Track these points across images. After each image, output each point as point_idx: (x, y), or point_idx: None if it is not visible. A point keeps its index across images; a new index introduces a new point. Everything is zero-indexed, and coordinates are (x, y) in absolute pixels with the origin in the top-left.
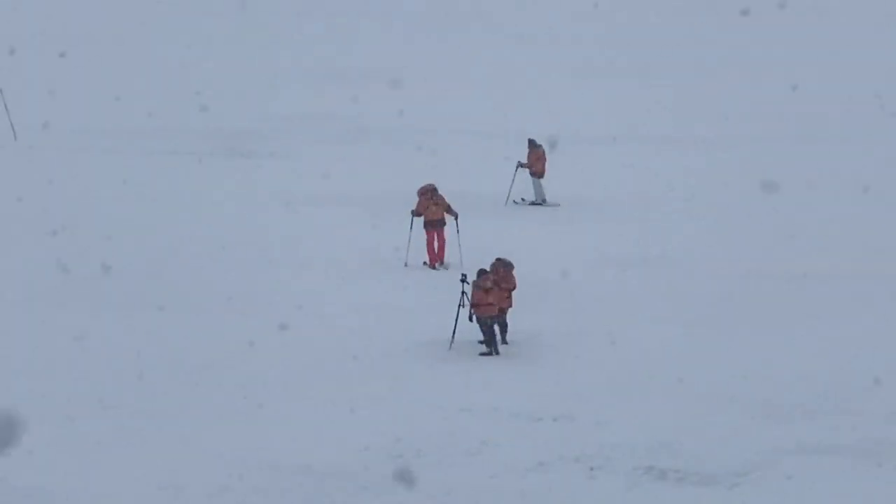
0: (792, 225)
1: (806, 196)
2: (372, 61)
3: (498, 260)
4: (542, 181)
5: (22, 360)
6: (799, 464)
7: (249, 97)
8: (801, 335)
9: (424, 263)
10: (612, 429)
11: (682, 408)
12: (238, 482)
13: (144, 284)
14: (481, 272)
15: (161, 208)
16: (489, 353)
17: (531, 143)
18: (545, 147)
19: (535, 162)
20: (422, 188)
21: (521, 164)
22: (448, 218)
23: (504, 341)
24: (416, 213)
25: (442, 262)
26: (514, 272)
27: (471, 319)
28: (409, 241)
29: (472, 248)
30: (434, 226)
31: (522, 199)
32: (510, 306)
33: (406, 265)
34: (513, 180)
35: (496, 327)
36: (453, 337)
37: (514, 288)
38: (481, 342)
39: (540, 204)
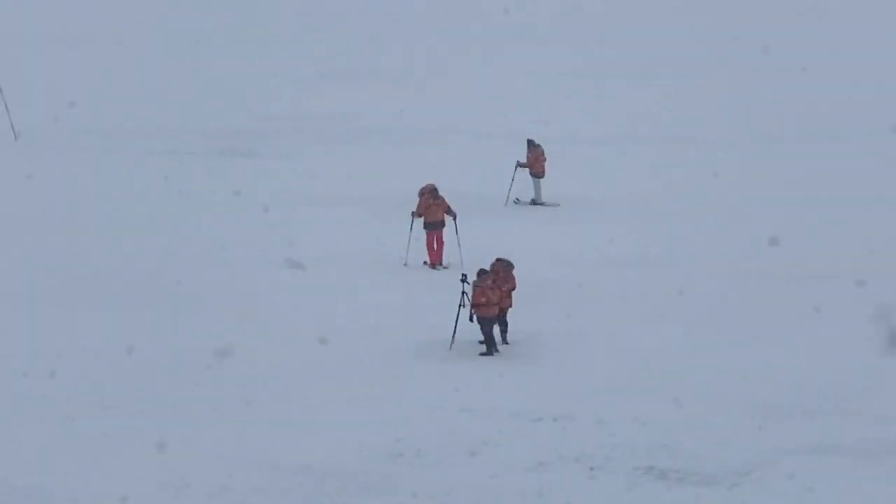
0: (791, 225)
1: (806, 196)
2: (372, 61)
3: (498, 260)
4: (542, 181)
5: (22, 360)
6: (799, 464)
7: (249, 97)
8: (801, 335)
9: (425, 263)
10: (612, 429)
11: (682, 408)
12: (238, 482)
13: (144, 284)
14: (481, 272)
15: (161, 208)
16: (489, 354)
17: (530, 143)
18: (543, 146)
19: (535, 162)
20: (423, 188)
21: (519, 164)
22: (448, 219)
23: (504, 341)
24: (416, 215)
25: (441, 263)
26: (514, 272)
27: (471, 320)
28: (409, 242)
29: (472, 248)
30: (434, 227)
31: (518, 200)
32: (510, 306)
33: (406, 265)
34: (512, 180)
35: (496, 327)
36: (453, 337)
37: (514, 288)
38: (481, 342)
39: (540, 204)
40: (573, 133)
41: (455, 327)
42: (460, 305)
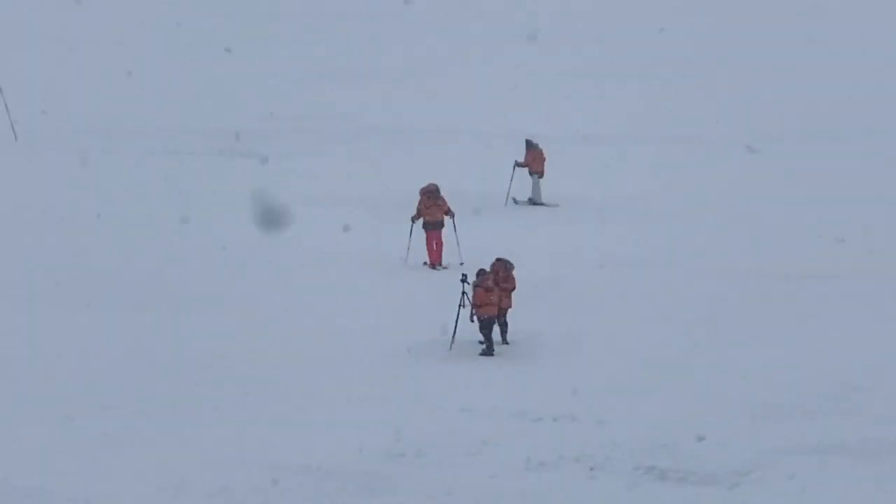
0: (792, 225)
1: (806, 196)
2: (372, 61)
3: (498, 260)
4: (542, 181)
5: (22, 360)
6: (799, 464)
7: (249, 97)
8: (801, 335)
9: (424, 264)
10: (612, 429)
11: (682, 408)
12: (238, 482)
13: (144, 284)
14: (481, 272)
15: (161, 208)
16: (489, 354)
17: (528, 143)
18: (542, 146)
19: (533, 162)
20: (424, 187)
21: (517, 164)
22: (447, 220)
23: (504, 341)
24: (415, 216)
25: (440, 264)
26: (514, 272)
27: (472, 320)
28: (409, 243)
29: (472, 248)
30: (433, 227)
31: (516, 200)
32: (510, 306)
33: (406, 265)
34: (511, 180)
35: (496, 327)
36: (453, 337)
37: (514, 288)
38: (481, 343)
39: (539, 204)
40: (573, 133)
41: (455, 327)
42: (460, 305)
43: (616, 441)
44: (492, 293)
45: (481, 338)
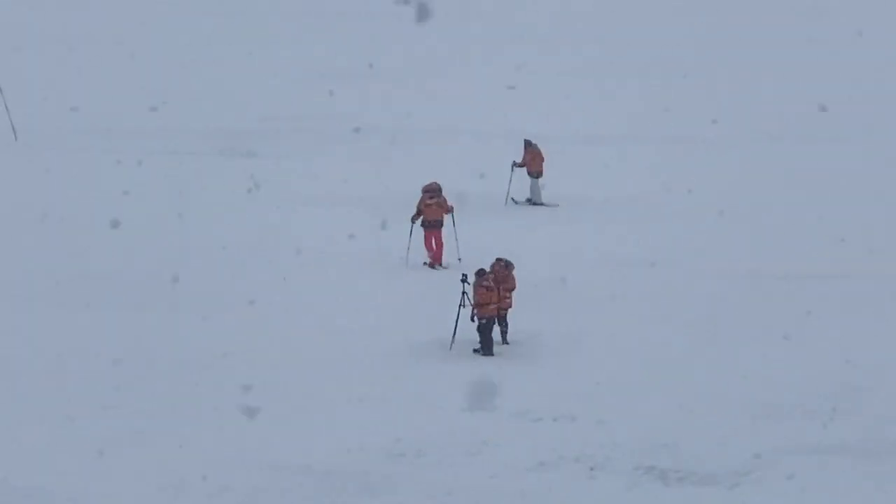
0: (792, 225)
1: (806, 196)
2: (372, 61)
3: (498, 260)
4: (540, 181)
5: (22, 360)
6: (799, 464)
7: (249, 97)
8: (801, 335)
9: (424, 264)
10: (612, 429)
11: (682, 408)
12: (238, 482)
13: (144, 284)
14: (481, 272)
15: (161, 208)
16: (490, 354)
17: (526, 143)
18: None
19: (531, 161)
20: (427, 185)
21: (515, 164)
22: (446, 218)
23: (504, 341)
24: (415, 216)
25: (440, 263)
26: (514, 272)
27: (473, 319)
28: (409, 243)
29: (472, 248)
30: (432, 226)
31: (514, 200)
32: (510, 306)
33: (406, 265)
34: (510, 180)
35: (496, 327)
36: (453, 337)
37: (513, 288)
38: (480, 344)
39: (539, 204)
40: (573, 133)
41: (455, 327)
42: (460, 305)
43: (616, 441)
44: (492, 293)
45: (478, 338)
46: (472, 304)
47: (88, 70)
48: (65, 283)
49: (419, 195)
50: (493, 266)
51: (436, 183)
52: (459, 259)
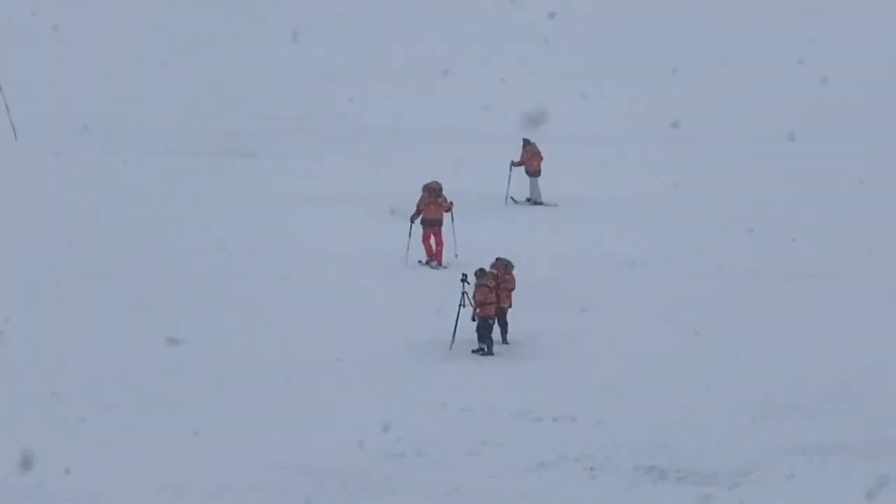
0: (792, 225)
1: (806, 196)
2: (372, 61)
3: (498, 260)
4: (539, 180)
5: (22, 360)
6: (799, 464)
7: (249, 97)
8: (800, 335)
9: (419, 262)
10: (612, 429)
11: (682, 408)
12: (238, 482)
13: (144, 284)
14: (480, 271)
15: (161, 208)
16: (489, 353)
17: (525, 141)
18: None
19: (529, 160)
20: (428, 184)
21: (513, 164)
22: (446, 219)
23: (504, 341)
24: (415, 215)
25: (440, 264)
26: (514, 272)
27: (474, 319)
28: (409, 243)
29: (471, 248)
30: (432, 224)
31: (514, 199)
32: (510, 306)
33: (406, 265)
34: (509, 180)
35: (496, 327)
36: (453, 337)
37: (513, 288)
38: (479, 346)
39: (538, 203)
40: (573, 133)
41: (455, 327)
42: (460, 305)
43: (616, 441)
44: (492, 292)
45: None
46: (472, 304)
47: (88, 70)
48: (65, 283)
49: (419, 194)
50: (493, 266)
51: (436, 182)
52: (456, 255)
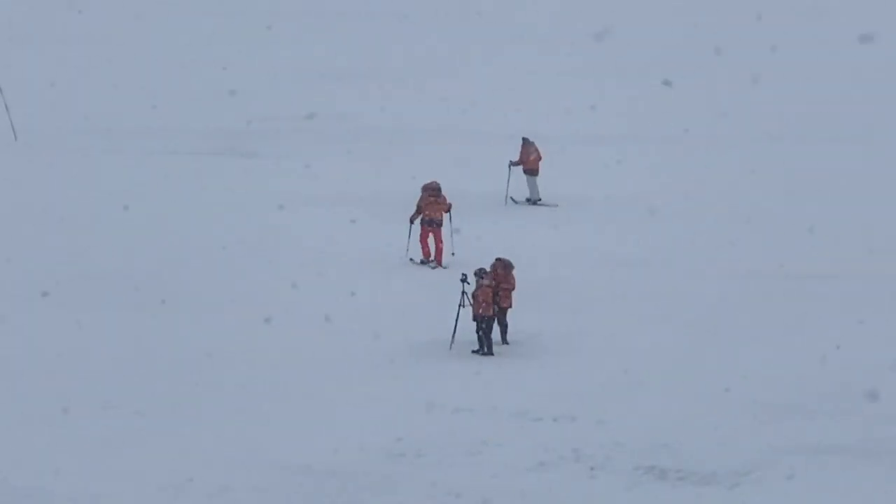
0: (792, 225)
1: (806, 196)
2: (372, 61)
3: (498, 260)
4: (537, 179)
5: (22, 360)
6: (799, 464)
7: (249, 97)
8: (801, 335)
9: (413, 259)
10: (612, 429)
11: (682, 408)
12: (238, 482)
13: (145, 284)
14: (480, 271)
15: (161, 208)
16: (489, 353)
17: (524, 140)
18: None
19: (528, 159)
20: (427, 184)
21: (512, 163)
22: (446, 219)
23: (504, 341)
24: (414, 215)
25: (440, 264)
26: (514, 272)
27: (474, 319)
28: (409, 244)
29: (471, 248)
30: (431, 224)
31: (513, 199)
32: (510, 306)
33: (406, 265)
34: (508, 180)
35: (496, 327)
36: (453, 337)
37: (513, 288)
38: (479, 346)
39: (537, 201)
40: (573, 133)
41: (455, 327)
42: (460, 305)
43: (616, 441)
44: (492, 292)
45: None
46: (472, 304)
47: (88, 70)
48: (65, 283)
49: (419, 194)
50: (493, 266)
51: (436, 182)
52: (453, 253)
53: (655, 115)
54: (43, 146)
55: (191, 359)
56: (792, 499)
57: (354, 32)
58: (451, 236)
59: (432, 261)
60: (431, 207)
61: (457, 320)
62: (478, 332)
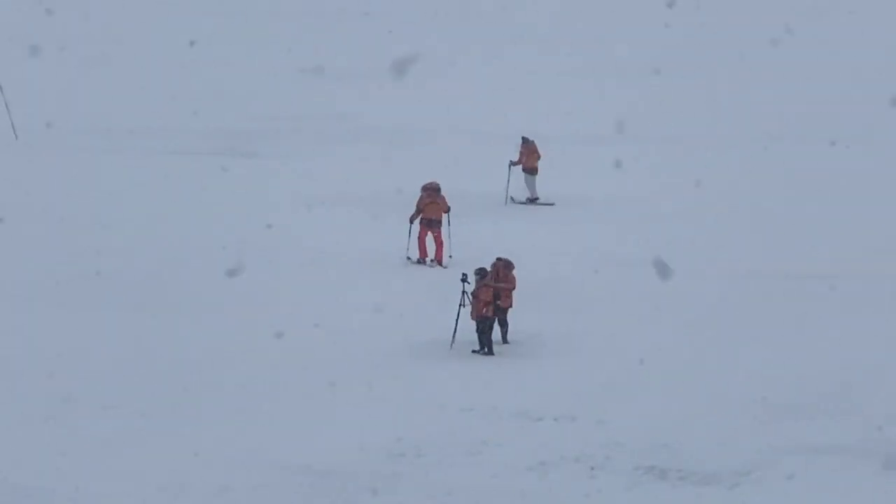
0: (792, 225)
1: (806, 196)
2: (371, 61)
3: (498, 259)
4: (536, 178)
5: (22, 360)
6: (799, 464)
7: (249, 97)
8: (801, 335)
9: (409, 259)
10: (612, 429)
11: (682, 408)
12: (238, 482)
13: (145, 284)
14: (480, 271)
15: (161, 208)
16: (490, 353)
17: (523, 139)
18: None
19: (527, 158)
20: (426, 184)
21: (512, 163)
22: (445, 220)
23: (504, 341)
24: (414, 215)
25: (440, 263)
26: (514, 272)
27: (474, 318)
28: (409, 244)
29: (471, 248)
30: (430, 224)
31: (514, 199)
32: (510, 306)
33: (406, 265)
34: (508, 180)
35: (496, 327)
36: (453, 337)
37: (513, 288)
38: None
39: (535, 199)
40: (573, 133)
41: (455, 327)
42: (460, 305)
43: (616, 441)
44: (492, 291)
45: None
46: (472, 304)
47: (88, 70)
48: (65, 283)
49: (419, 194)
50: (493, 266)
51: (435, 182)
52: (450, 255)
53: (655, 115)
54: (43, 146)
55: (191, 359)
56: (792, 499)
57: (354, 32)
58: (449, 237)
59: (432, 261)
60: (431, 207)
61: (457, 320)
62: (478, 331)
